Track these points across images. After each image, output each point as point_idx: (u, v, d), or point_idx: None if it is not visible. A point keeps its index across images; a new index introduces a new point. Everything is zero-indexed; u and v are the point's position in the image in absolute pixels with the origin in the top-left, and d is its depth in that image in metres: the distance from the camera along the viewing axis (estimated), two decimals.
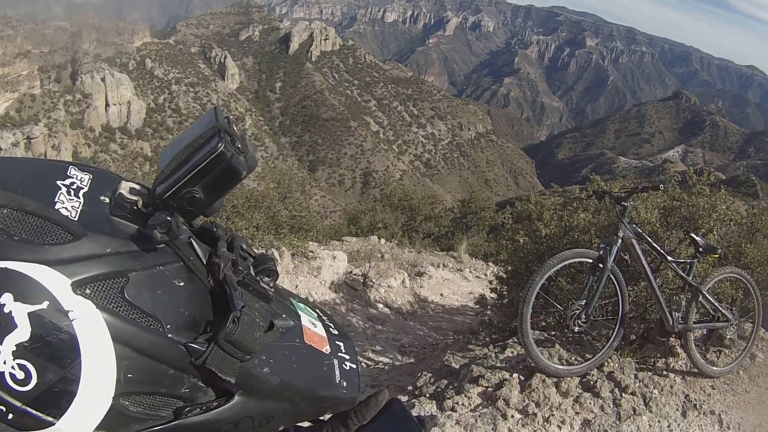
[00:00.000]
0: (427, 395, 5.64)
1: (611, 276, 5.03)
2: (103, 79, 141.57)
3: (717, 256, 5.65)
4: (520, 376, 5.27)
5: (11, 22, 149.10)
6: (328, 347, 1.09)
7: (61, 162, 0.95)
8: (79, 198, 0.87)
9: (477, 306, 9.39)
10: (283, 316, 1.05)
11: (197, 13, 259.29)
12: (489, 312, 8.80)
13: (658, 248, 5.35)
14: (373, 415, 1.17)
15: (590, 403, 4.94)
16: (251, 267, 0.99)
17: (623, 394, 4.99)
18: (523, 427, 4.79)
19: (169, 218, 0.85)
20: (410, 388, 6.05)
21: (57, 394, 0.78)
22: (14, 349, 0.76)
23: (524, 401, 4.96)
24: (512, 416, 4.86)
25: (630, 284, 5.86)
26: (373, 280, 12.87)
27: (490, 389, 5.24)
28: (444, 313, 12.79)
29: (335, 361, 1.08)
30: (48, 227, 0.81)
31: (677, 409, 4.99)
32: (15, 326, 0.75)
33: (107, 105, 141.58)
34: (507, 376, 5.29)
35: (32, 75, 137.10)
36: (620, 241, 5.05)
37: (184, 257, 0.92)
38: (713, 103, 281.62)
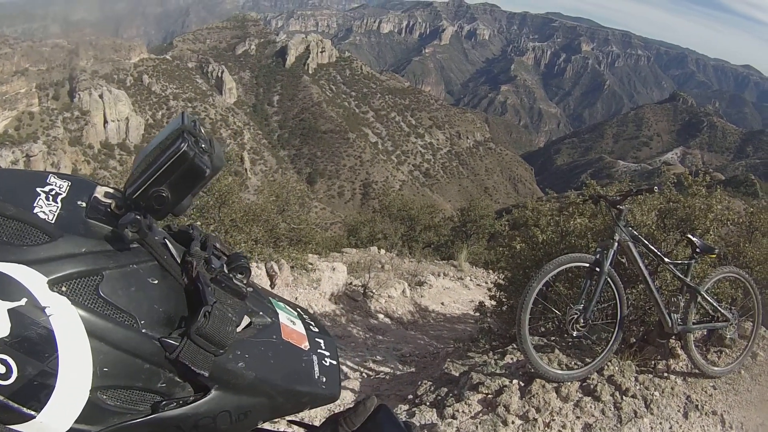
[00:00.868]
0: (428, 403, 5.63)
1: (608, 279, 5.03)
2: (101, 96, 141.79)
3: (714, 256, 5.64)
4: (520, 382, 5.26)
5: (8, 40, 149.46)
6: (307, 344, 1.11)
7: (43, 172, 0.99)
8: (57, 203, 0.90)
9: (477, 313, 9.37)
10: (260, 313, 1.07)
11: (193, 29, 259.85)
12: (489, 319, 8.79)
13: (655, 250, 5.36)
14: (362, 421, 1.17)
15: (591, 407, 4.92)
16: (224, 265, 1.02)
17: (624, 397, 4.98)
18: None
19: (138, 217, 0.88)
20: (411, 396, 6.04)
21: (36, 388, 0.81)
22: None
23: (524, 407, 4.95)
24: (513, 422, 4.85)
25: (628, 287, 5.86)
26: (374, 291, 12.84)
27: (490, 396, 5.23)
28: (445, 321, 12.76)
29: (314, 358, 1.10)
30: (26, 230, 0.84)
31: (679, 411, 4.98)
32: None
33: (105, 121, 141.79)
34: (507, 382, 5.29)
35: (30, 93, 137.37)
36: (616, 244, 5.06)
37: (158, 256, 0.95)
38: (710, 104, 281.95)
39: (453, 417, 5.12)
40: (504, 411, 4.95)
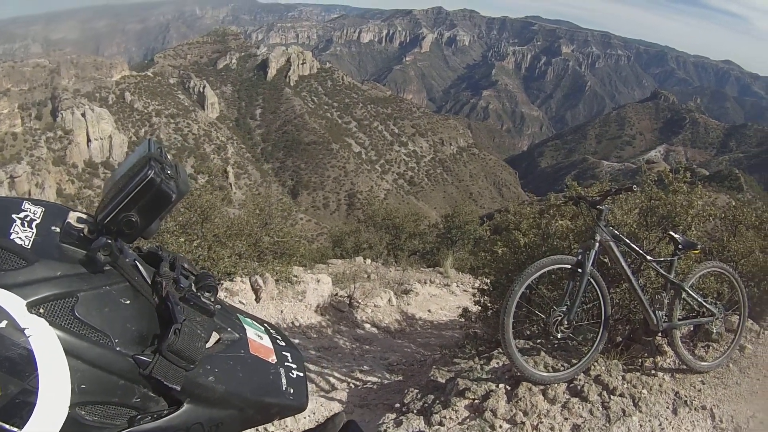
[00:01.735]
0: (415, 411, 5.59)
1: (591, 280, 5.02)
2: (83, 115, 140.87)
3: (698, 251, 5.65)
4: (507, 386, 5.24)
5: None
6: (274, 357, 1.15)
7: (17, 198, 1.03)
8: (32, 228, 0.95)
9: (461, 319, 9.35)
10: (229, 329, 1.11)
11: (174, 44, 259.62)
12: (475, 324, 8.77)
13: (637, 249, 5.36)
14: None
15: (579, 408, 4.90)
16: (192, 284, 1.06)
17: (612, 397, 4.96)
18: None
19: (109, 241, 0.94)
20: (398, 405, 6.00)
21: (18, 406, 0.85)
22: None
23: (512, 411, 4.92)
24: (500, 426, 4.82)
25: (612, 286, 5.86)
26: (359, 301, 12.80)
27: (477, 401, 5.20)
28: (432, 328, 12.73)
29: (281, 370, 1.14)
30: (4, 255, 0.89)
31: (668, 407, 4.96)
32: None
33: (89, 140, 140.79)
34: (493, 387, 5.27)
35: (12, 113, 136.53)
36: (597, 244, 5.05)
37: (129, 278, 1.00)
38: (692, 100, 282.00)
39: (440, 424, 5.08)
40: (491, 416, 4.92)
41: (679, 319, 5.39)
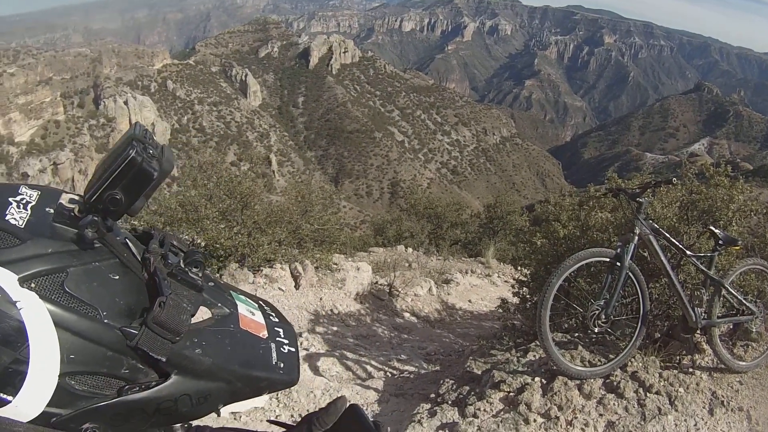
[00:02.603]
0: (450, 402, 5.61)
1: (630, 274, 4.97)
2: (125, 103, 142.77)
3: (738, 247, 5.54)
4: (542, 380, 5.21)
5: (31, 51, 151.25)
6: (265, 332, 1.17)
7: (15, 183, 1.08)
8: (27, 210, 1.00)
9: (500, 310, 9.32)
10: (219, 305, 1.14)
11: (215, 33, 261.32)
12: (514, 316, 8.74)
13: (677, 243, 5.28)
14: (334, 420, 1.28)
15: (614, 404, 4.86)
16: (181, 261, 1.09)
17: (648, 394, 4.91)
18: (546, 431, 4.73)
19: (96, 219, 0.98)
20: (433, 395, 6.03)
21: (11, 375, 0.89)
22: None
23: (546, 405, 4.91)
24: (534, 420, 4.81)
25: (651, 281, 5.78)
26: (399, 290, 12.82)
27: (512, 394, 5.19)
28: (472, 319, 12.71)
29: (272, 345, 1.16)
30: (0, 235, 0.94)
31: (704, 407, 4.89)
32: None
33: None
34: (529, 380, 5.25)
35: (55, 102, 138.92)
36: (637, 237, 4.99)
37: (119, 254, 1.04)
38: (735, 93, 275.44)
39: (474, 416, 5.09)
40: (526, 409, 4.91)
41: (718, 317, 5.30)
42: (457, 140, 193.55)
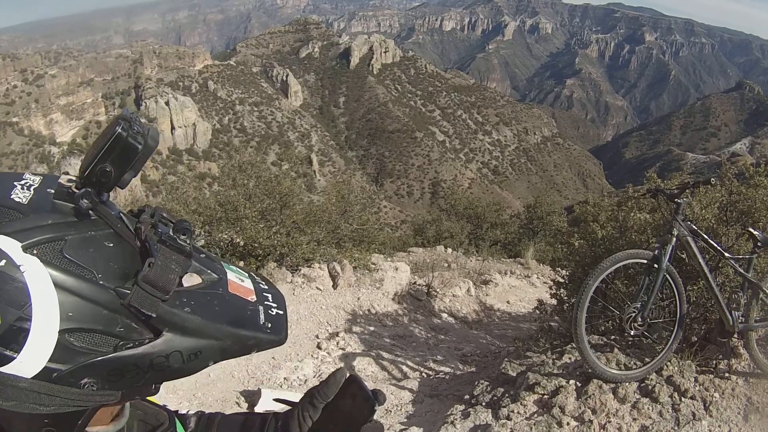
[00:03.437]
0: (483, 404, 5.61)
1: (667, 276, 4.92)
2: (167, 103, 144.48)
3: None
4: (577, 383, 5.19)
5: (72, 53, 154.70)
6: (254, 297, 1.23)
7: (19, 172, 1.18)
8: (30, 191, 1.10)
9: (536, 311, 9.28)
10: (209, 271, 1.20)
11: (256, 34, 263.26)
12: (551, 317, 8.69)
13: (715, 245, 5.21)
14: (334, 392, 1.41)
15: (648, 408, 4.81)
16: (171, 230, 1.15)
17: (683, 399, 4.85)
18: None
19: (89, 190, 1.08)
20: (467, 397, 6.02)
21: (15, 332, 0.98)
22: None
23: (580, 408, 4.88)
24: (567, 423, 4.79)
25: (689, 283, 5.71)
26: (437, 290, 12.82)
27: (546, 396, 5.17)
28: (510, 320, 12.67)
29: (260, 308, 1.21)
30: (4, 211, 1.05)
31: (739, 413, 4.80)
32: None
33: (173, 128, 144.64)
34: (563, 382, 5.22)
35: (96, 102, 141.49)
36: (675, 239, 4.94)
37: (113, 225, 1.12)
38: None
39: (508, 418, 5.08)
40: (559, 412, 4.88)
41: (756, 321, 5.21)
42: (498, 140, 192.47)
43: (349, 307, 10.84)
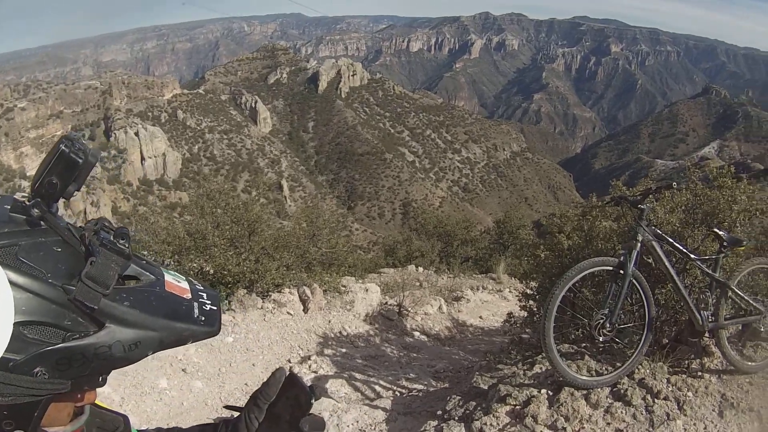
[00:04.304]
0: (456, 418, 5.56)
1: (634, 281, 4.95)
2: (136, 134, 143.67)
3: (743, 248, 5.48)
4: (549, 392, 5.16)
5: (41, 85, 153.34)
6: (189, 295, 1.37)
7: None
8: None
9: (506, 324, 9.26)
10: (147, 273, 1.34)
11: (224, 61, 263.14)
12: (522, 330, 8.68)
13: (681, 248, 5.23)
14: (276, 392, 1.53)
15: (621, 412, 4.79)
16: (112, 236, 1.29)
17: (656, 400, 4.84)
18: None
19: (39, 200, 1.22)
20: (440, 412, 5.96)
21: None
22: None
23: (553, 416, 4.84)
24: None
25: (657, 287, 5.73)
26: (409, 309, 12.79)
27: (518, 407, 5.14)
28: (483, 335, 12.65)
29: (195, 304, 1.35)
30: None
31: (713, 410, 4.80)
32: None
33: (143, 158, 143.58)
34: (535, 392, 5.20)
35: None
36: (640, 244, 4.96)
37: (60, 233, 1.25)
38: (744, 94, 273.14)
39: (481, 430, 5.03)
40: (532, 422, 4.84)
41: (725, 319, 5.23)
42: (467, 158, 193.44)
43: (320, 331, 10.76)
